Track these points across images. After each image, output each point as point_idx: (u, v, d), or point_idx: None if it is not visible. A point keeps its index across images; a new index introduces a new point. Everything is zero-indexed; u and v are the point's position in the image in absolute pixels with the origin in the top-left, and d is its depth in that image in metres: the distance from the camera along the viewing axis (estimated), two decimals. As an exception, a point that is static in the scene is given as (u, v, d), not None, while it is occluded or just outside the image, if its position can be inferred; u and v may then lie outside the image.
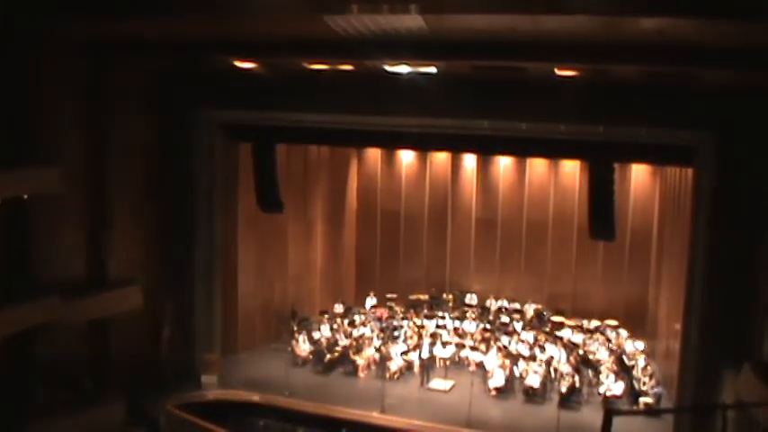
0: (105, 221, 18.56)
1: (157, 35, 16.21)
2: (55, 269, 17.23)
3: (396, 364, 21.28)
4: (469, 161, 26.80)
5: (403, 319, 24.30)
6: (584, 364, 21.04)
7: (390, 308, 25.30)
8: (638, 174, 24.56)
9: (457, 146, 22.73)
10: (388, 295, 26.09)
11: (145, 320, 19.52)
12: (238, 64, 18.32)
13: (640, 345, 22.49)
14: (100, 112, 18.15)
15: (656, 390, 19.65)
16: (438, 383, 20.93)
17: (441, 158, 27.06)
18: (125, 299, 18.40)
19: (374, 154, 27.92)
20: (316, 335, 22.94)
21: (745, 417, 12.99)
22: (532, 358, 21.06)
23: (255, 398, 19.90)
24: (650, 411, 19.19)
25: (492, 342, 22.21)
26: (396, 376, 21.09)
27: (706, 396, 16.87)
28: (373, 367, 21.69)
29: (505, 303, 25.54)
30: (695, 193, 17.59)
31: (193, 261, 20.83)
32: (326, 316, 24.32)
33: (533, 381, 20.14)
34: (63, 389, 16.76)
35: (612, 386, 19.75)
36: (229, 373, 21.11)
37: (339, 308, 25.31)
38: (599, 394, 19.94)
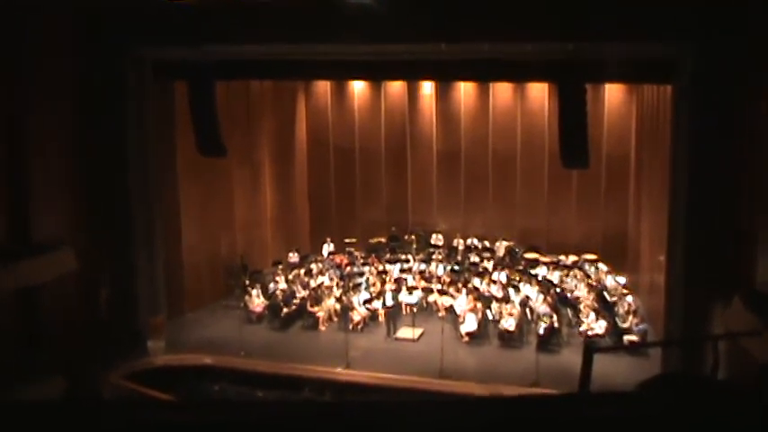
0: (28, 182, 17.44)
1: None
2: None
3: (359, 314, 20.91)
4: (427, 89, 26.52)
5: (364, 265, 24.12)
6: (563, 302, 20.79)
7: (349, 254, 25.15)
8: (612, 94, 24.48)
9: (413, 73, 22.43)
10: (347, 240, 25.86)
11: (80, 285, 18.62)
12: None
13: (622, 279, 22.52)
14: (17, 60, 16.86)
15: (640, 327, 19.46)
16: (405, 332, 20.52)
17: (396, 88, 26.77)
18: (56, 263, 17.39)
19: (323, 86, 27.47)
20: (270, 288, 22.57)
21: (736, 349, 12.56)
22: (506, 300, 20.79)
23: (208, 361, 19.34)
24: (633, 346, 19.39)
25: (462, 284, 21.98)
26: (359, 327, 20.72)
27: (694, 331, 16.48)
28: (335, 319, 21.32)
29: (474, 242, 25.52)
30: (674, 112, 17.06)
31: (130, 216, 19.82)
32: (280, 267, 23.85)
33: (508, 324, 19.83)
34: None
35: (594, 325, 19.66)
36: (178, 335, 20.52)
37: (294, 257, 25.05)
38: (580, 334, 19.79)
